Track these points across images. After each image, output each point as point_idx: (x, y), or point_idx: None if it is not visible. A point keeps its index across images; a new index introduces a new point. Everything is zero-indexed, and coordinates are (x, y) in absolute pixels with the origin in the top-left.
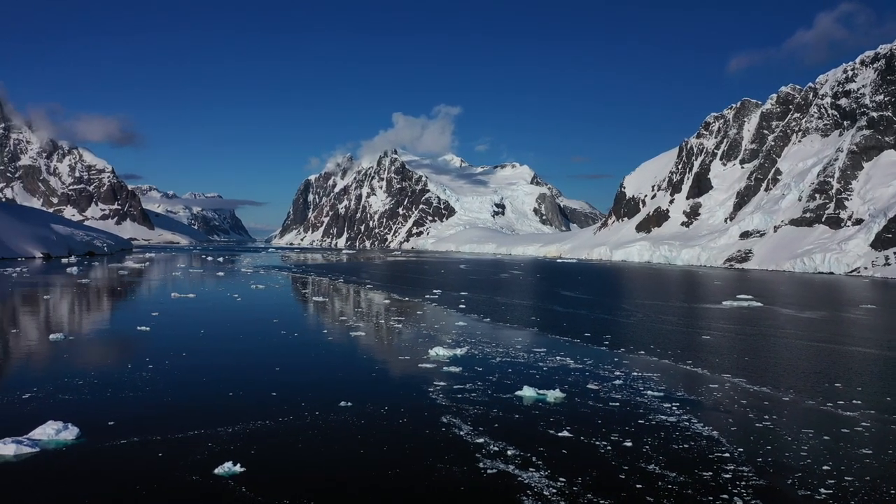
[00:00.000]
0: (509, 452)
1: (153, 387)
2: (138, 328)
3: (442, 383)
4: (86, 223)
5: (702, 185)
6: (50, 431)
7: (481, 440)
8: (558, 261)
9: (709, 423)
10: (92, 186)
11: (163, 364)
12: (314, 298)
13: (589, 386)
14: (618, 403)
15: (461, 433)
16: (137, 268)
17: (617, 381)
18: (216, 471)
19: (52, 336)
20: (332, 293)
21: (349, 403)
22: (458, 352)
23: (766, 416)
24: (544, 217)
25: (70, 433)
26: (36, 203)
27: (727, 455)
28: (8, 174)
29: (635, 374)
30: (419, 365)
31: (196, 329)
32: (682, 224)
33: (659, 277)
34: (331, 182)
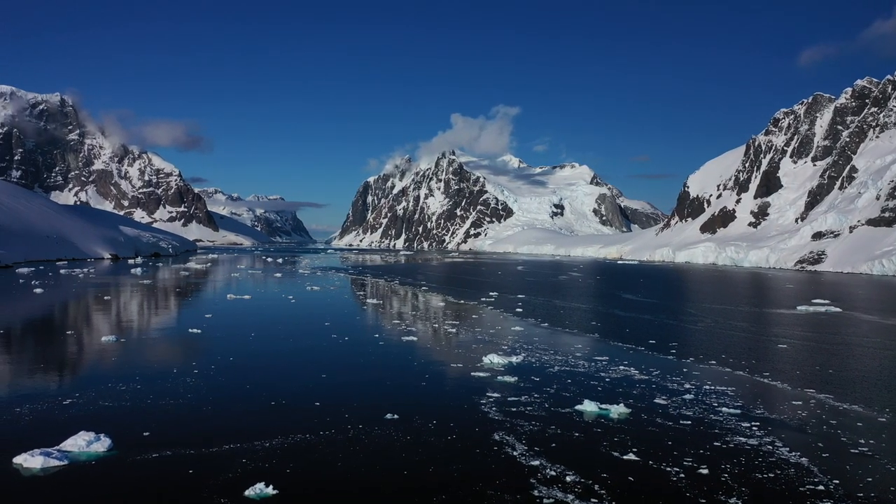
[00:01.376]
0: (568, 478)
1: (195, 394)
2: (190, 330)
3: (496, 394)
4: (154, 225)
5: (770, 184)
6: (81, 443)
7: (537, 462)
8: (619, 262)
9: (796, 447)
10: (160, 189)
11: (208, 369)
12: (368, 300)
13: (656, 400)
14: (689, 422)
15: (515, 453)
16: (199, 269)
17: (687, 396)
18: (247, 493)
19: (104, 338)
20: (387, 295)
21: (395, 416)
22: (514, 359)
23: (862, 441)
24: (604, 218)
25: (101, 445)
26: (108, 206)
27: (821, 488)
28: (82, 178)
29: (707, 387)
30: (472, 373)
31: (247, 332)
32: (750, 224)
33: (726, 280)
34: (389, 183)
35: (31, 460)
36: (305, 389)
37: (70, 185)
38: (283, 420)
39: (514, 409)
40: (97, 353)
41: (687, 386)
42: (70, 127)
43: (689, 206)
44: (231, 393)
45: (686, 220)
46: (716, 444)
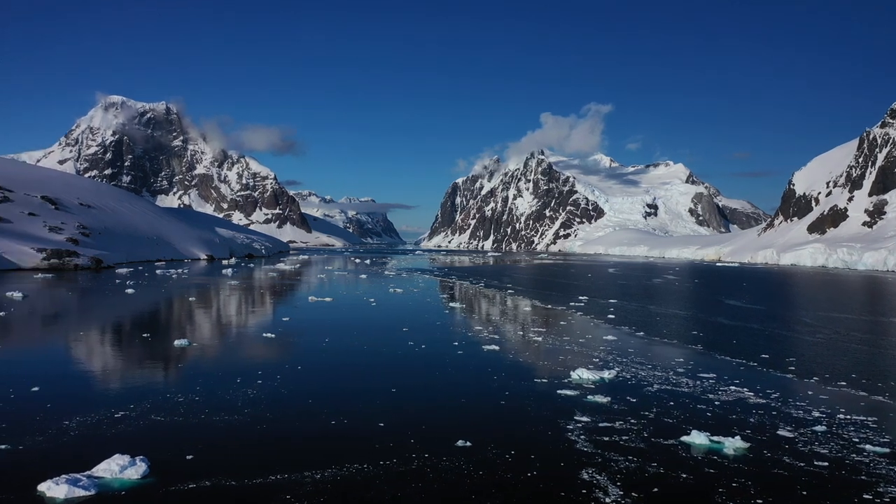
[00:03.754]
0: None
1: (253, 408)
2: (264, 335)
3: (584, 419)
4: (251, 227)
5: (888, 181)
6: (114, 467)
7: None
8: (717, 264)
9: None
10: (257, 192)
11: (273, 379)
12: (450, 304)
13: (780, 432)
14: (826, 462)
15: (608, 500)
16: (287, 269)
17: (818, 427)
18: None
19: (177, 342)
20: (470, 299)
21: (468, 443)
22: (606, 375)
23: None
24: (701, 218)
25: (136, 470)
26: (209, 209)
27: None
28: (185, 182)
29: (841, 416)
30: (558, 391)
31: (321, 337)
32: (864, 224)
33: (840, 285)
34: (478, 184)
35: (54, 488)
36: (371, 406)
37: (174, 189)
38: (341, 445)
39: (607, 439)
40: (165, 359)
41: (816, 414)
42: (174, 134)
43: (794, 205)
44: (291, 409)
45: (791, 220)
46: (866, 496)
